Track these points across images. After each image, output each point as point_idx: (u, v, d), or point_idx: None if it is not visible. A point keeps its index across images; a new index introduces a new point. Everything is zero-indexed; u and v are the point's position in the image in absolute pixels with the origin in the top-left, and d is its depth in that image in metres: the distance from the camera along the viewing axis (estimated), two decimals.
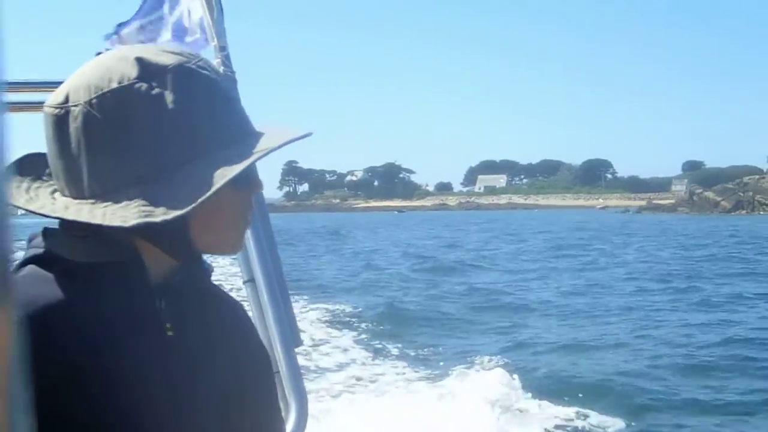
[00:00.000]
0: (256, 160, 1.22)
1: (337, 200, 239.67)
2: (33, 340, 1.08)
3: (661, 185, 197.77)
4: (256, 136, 1.26)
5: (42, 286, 1.18)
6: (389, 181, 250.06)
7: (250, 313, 2.36)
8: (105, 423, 1.14)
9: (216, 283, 1.44)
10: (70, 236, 1.21)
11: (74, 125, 1.16)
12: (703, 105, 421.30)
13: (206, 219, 1.22)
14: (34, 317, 1.12)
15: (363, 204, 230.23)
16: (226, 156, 1.20)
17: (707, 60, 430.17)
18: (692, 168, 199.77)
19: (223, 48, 2.35)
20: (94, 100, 1.16)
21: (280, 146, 1.25)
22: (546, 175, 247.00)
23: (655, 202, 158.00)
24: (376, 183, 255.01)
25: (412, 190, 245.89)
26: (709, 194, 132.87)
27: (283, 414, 2.23)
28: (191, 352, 1.28)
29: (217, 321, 1.37)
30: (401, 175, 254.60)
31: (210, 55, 2.35)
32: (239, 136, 1.24)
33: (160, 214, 1.14)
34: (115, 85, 1.16)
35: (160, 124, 1.17)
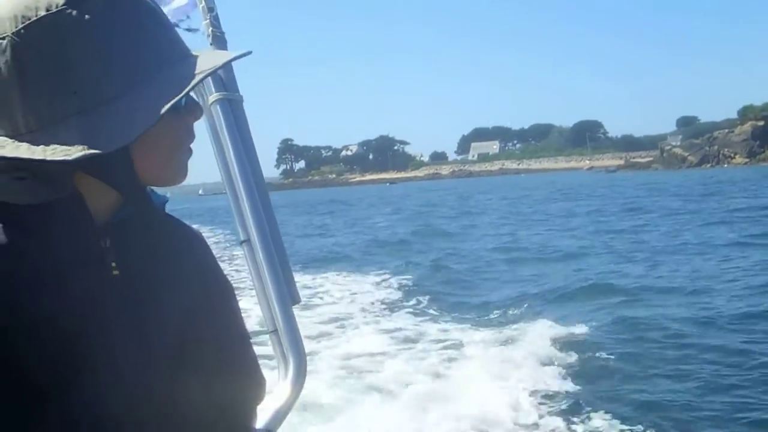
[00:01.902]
0: (198, 82, 1.16)
1: (333, 175, 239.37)
2: None
3: (655, 143, 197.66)
4: (193, 58, 1.20)
5: None
6: (384, 153, 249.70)
7: (246, 274, 2.37)
8: (47, 369, 1.08)
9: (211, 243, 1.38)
10: (8, 178, 1.14)
11: (3, 58, 1.09)
12: (698, 58, 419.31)
13: (148, 148, 1.17)
14: None
15: (359, 178, 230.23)
16: (166, 79, 1.14)
17: (703, 7, 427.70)
18: (686, 124, 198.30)
19: (211, 9, 2.32)
20: (22, 31, 1.08)
21: (221, 65, 1.21)
22: (538, 139, 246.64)
23: (632, 160, 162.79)
24: (371, 156, 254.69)
25: (406, 162, 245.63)
26: (678, 150, 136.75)
27: (282, 371, 2.25)
28: (139, 292, 1.21)
29: (168, 257, 1.30)
30: (395, 147, 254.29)
31: (199, 17, 2.32)
32: (176, 59, 1.18)
33: (105, 145, 1.08)
34: (42, 12, 1.09)
35: (95, 51, 1.10)
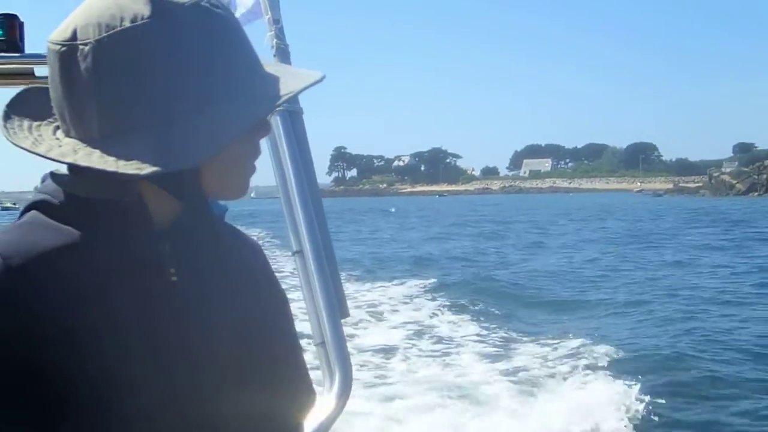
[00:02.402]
0: (277, 106, 1.16)
1: (384, 185, 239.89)
2: (28, 289, 1.05)
3: (710, 168, 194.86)
4: (270, 79, 1.19)
5: (40, 232, 1.12)
6: (435, 166, 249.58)
7: (297, 283, 2.37)
8: (103, 375, 1.07)
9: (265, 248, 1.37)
10: (80, 178, 1.14)
11: (84, 65, 1.08)
12: (762, 83, 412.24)
13: (216, 162, 1.14)
14: (30, 266, 1.07)
15: (409, 189, 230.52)
16: (246, 100, 1.13)
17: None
18: (743, 150, 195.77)
19: (276, 21, 2.33)
20: (105, 39, 1.07)
21: (300, 91, 1.18)
22: (591, 158, 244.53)
23: (681, 185, 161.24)
24: (422, 168, 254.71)
25: (457, 175, 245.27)
26: (725, 177, 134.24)
27: (327, 383, 2.24)
28: (196, 299, 1.20)
29: (226, 267, 1.28)
30: (447, 160, 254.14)
31: (263, 28, 2.34)
32: (253, 79, 1.17)
33: (177, 162, 1.07)
34: (127, 24, 1.07)
35: (175, 66, 1.08)
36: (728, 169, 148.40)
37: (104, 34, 1.07)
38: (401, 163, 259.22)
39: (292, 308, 1.43)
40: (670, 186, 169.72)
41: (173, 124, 1.08)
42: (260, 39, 2.31)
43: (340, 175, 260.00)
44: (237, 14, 2.39)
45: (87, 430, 1.09)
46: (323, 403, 2.16)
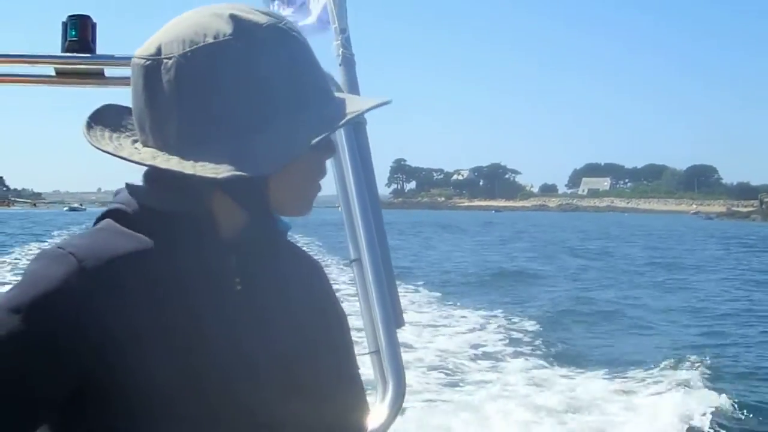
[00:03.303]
0: (345, 123, 1.20)
1: (442, 198, 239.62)
2: (100, 291, 1.09)
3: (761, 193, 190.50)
4: (338, 100, 1.24)
5: (114, 239, 1.16)
6: (494, 181, 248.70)
7: (354, 292, 2.37)
8: (167, 381, 1.10)
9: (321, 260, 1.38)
10: (154, 189, 1.20)
11: (167, 77, 1.13)
12: None
13: (284, 178, 1.19)
14: (103, 269, 1.11)
15: (466, 203, 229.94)
16: (315, 116, 1.17)
17: None
18: None
19: (343, 30, 2.33)
20: (188, 54, 1.13)
21: (366, 110, 1.23)
22: (650, 179, 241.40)
23: (733, 209, 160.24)
24: (481, 183, 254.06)
25: (515, 191, 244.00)
26: None
27: (380, 392, 2.23)
28: (259, 310, 1.23)
29: (289, 282, 1.32)
30: (506, 176, 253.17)
31: (330, 37, 2.34)
32: (323, 99, 1.21)
33: (251, 169, 1.11)
34: (210, 40, 1.13)
35: (253, 82, 1.14)
36: None
37: (188, 49, 1.13)
38: (460, 177, 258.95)
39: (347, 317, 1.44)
40: (723, 209, 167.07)
41: (247, 135, 1.13)
42: (327, 48, 2.31)
43: (399, 187, 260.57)
44: (306, 22, 2.40)
45: (160, 428, 1.11)
46: (375, 412, 2.15)
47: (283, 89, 1.16)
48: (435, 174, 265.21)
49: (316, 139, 1.14)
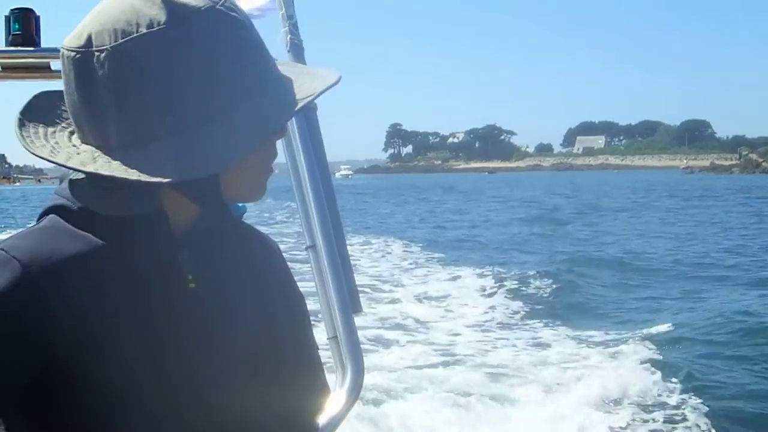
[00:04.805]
0: (299, 110, 1.13)
1: (439, 162, 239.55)
2: (46, 297, 1.04)
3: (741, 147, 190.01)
4: (288, 83, 1.15)
5: (60, 239, 1.09)
6: (490, 142, 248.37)
7: (310, 278, 2.34)
8: (122, 379, 1.07)
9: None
10: (98, 188, 1.11)
11: (101, 71, 1.04)
12: None
13: (235, 169, 1.11)
14: (49, 274, 1.05)
15: (463, 165, 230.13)
16: (265, 104, 1.10)
17: None
18: None
19: (290, 16, 2.28)
20: (121, 46, 1.03)
21: (320, 93, 1.14)
22: (645, 136, 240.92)
23: (716, 163, 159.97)
24: (477, 144, 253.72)
25: (511, 152, 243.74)
26: (753, 156, 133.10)
27: (339, 377, 2.20)
28: (213, 304, 1.18)
29: (244, 270, 1.26)
30: (502, 137, 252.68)
31: (277, 24, 2.28)
32: (271, 83, 1.12)
33: (200, 169, 1.04)
34: (144, 30, 1.03)
35: (194, 72, 1.04)
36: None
37: (120, 41, 1.03)
38: (456, 140, 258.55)
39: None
40: (706, 164, 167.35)
41: (193, 131, 1.05)
42: (274, 35, 2.25)
43: (395, 152, 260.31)
44: (248, 6, 2.34)
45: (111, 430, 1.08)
46: (334, 398, 2.13)
47: (227, 78, 1.07)
48: (431, 137, 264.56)
49: (270, 129, 1.10)
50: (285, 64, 1.21)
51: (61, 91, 1.12)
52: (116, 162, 1.05)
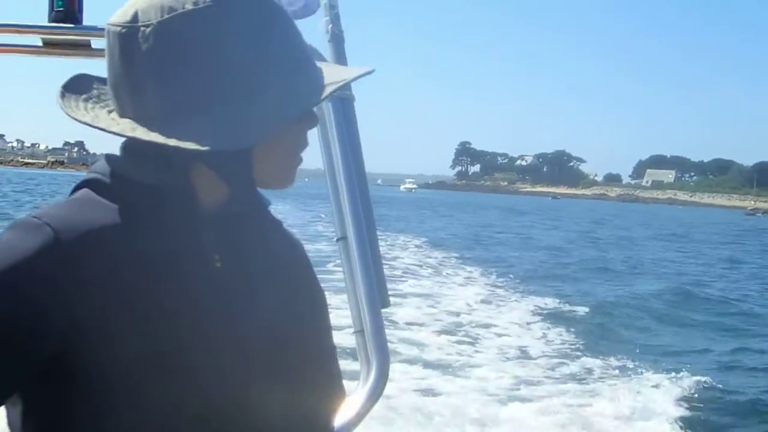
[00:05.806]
0: (332, 92, 1.14)
1: (505, 183, 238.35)
2: (76, 264, 1.04)
3: None
4: (319, 69, 1.18)
5: (91, 210, 1.11)
6: (557, 168, 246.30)
7: (340, 270, 2.30)
8: (145, 356, 1.06)
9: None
10: (133, 159, 1.14)
11: (145, 45, 1.07)
12: None
13: (267, 151, 1.14)
14: (79, 241, 1.06)
15: (528, 188, 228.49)
16: (297, 85, 1.13)
17: None
18: None
19: (333, 6, 2.26)
20: (166, 21, 1.07)
21: (353, 79, 1.18)
22: (716, 174, 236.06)
23: None
24: (545, 169, 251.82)
25: (579, 179, 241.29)
26: None
27: (364, 371, 2.16)
28: (238, 287, 1.18)
29: (269, 258, 1.26)
30: (571, 164, 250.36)
31: (320, 13, 2.26)
32: (306, 68, 1.16)
33: (235, 141, 1.07)
34: (189, 6, 1.07)
35: (234, 49, 1.08)
36: None
37: (166, 16, 1.07)
38: (524, 163, 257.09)
39: (332, 296, 1.41)
40: None
41: (229, 105, 1.08)
42: (315, 26, 2.23)
43: (463, 170, 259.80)
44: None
45: (127, 410, 1.06)
46: (358, 392, 2.09)
47: (264, 58, 1.11)
48: (500, 158, 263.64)
49: (304, 108, 1.12)
50: (323, 64, 1.23)
51: (99, 77, 1.17)
52: (155, 132, 1.08)
